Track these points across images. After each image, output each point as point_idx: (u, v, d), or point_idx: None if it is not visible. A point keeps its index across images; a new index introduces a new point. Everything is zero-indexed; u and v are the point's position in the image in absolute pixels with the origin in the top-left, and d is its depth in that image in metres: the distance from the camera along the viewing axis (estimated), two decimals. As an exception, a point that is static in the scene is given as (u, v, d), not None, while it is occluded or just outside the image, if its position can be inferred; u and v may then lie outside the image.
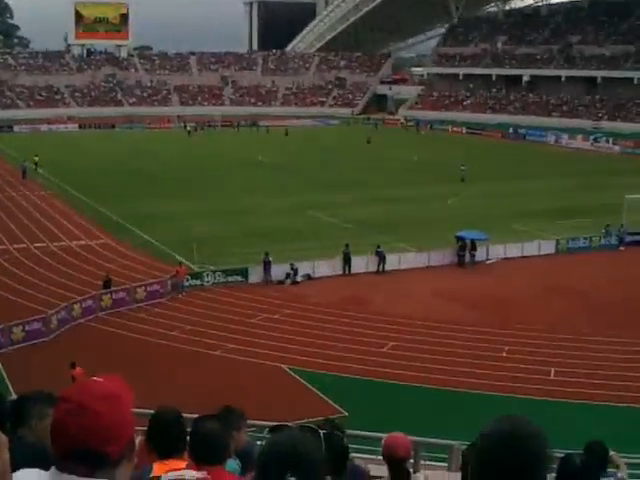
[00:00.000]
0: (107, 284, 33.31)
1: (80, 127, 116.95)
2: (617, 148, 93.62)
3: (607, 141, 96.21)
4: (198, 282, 35.82)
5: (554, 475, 4.42)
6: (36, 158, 72.21)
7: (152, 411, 4.94)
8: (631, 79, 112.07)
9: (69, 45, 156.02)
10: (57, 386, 4.07)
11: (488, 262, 41.00)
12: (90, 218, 50.35)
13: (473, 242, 40.62)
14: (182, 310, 32.59)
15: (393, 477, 5.80)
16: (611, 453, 6.92)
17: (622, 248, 44.08)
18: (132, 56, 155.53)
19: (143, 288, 33.72)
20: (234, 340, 28.80)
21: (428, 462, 12.52)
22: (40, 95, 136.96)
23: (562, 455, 4.66)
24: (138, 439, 4.17)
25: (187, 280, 35.45)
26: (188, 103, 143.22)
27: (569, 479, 4.43)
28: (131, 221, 48.58)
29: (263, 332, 29.63)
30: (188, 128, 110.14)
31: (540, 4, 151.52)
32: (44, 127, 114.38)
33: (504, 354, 27.49)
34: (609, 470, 6.59)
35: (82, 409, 2.40)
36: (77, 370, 22.55)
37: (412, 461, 9.60)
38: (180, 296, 34.48)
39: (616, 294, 35.02)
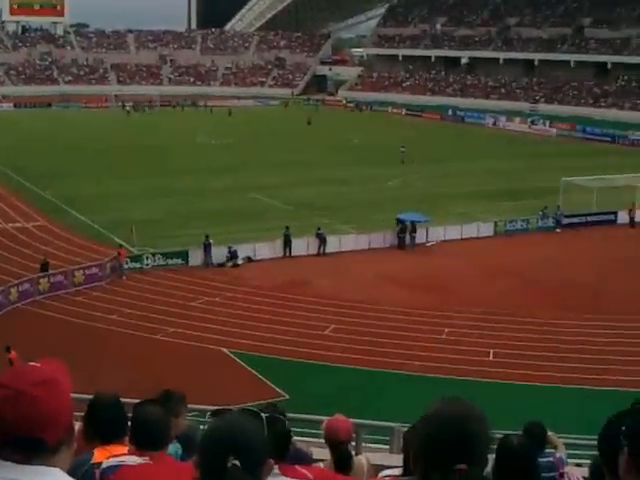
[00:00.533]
0: (45, 267, 32.84)
1: (15, 106, 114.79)
2: (554, 131, 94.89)
3: (544, 124, 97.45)
4: (138, 265, 35.50)
5: (493, 456, 4.48)
6: (-31, 138, 70.83)
7: (91, 396, 4.91)
8: (568, 62, 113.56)
9: (3, 22, 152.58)
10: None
11: (428, 244, 41.31)
12: (26, 200, 49.52)
13: (413, 224, 40.87)
14: (122, 294, 32.29)
15: (335, 460, 5.84)
16: (549, 434, 7.05)
17: (559, 230, 44.76)
18: (68, 33, 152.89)
19: (82, 271, 33.32)
20: (175, 324, 28.65)
21: (370, 444, 12.62)
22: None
23: (501, 436, 4.73)
24: (77, 425, 4.13)
25: (127, 263, 35.11)
26: (126, 82, 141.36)
27: (507, 460, 4.49)
28: (69, 202, 47.89)
29: (204, 315, 29.53)
30: (127, 108, 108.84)
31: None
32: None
33: (444, 336, 27.78)
34: (547, 451, 6.70)
35: (19, 395, 2.37)
36: (12, 354, 22.25)
37: (354, 444, 9.67)
38: (123, 279, 34.18)
39: (553, 276, 35.58)
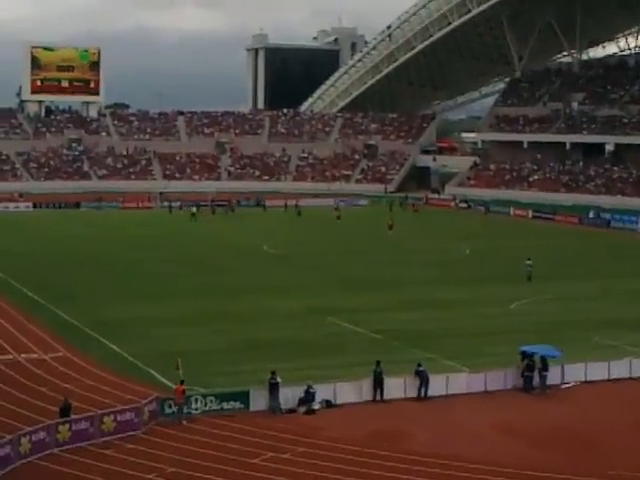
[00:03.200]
0: (66, 411, 33.13)
1: (35, 206, 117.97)
2: None
3: None
4: (185, 409, 35.58)
5: None
6: (-24, 246, 72.90)
7: None
8: None
9: (23, 102, 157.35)
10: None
11: (564, 386, 40.72)
12: (45, 324, 50.37)
13: (544, 360, 40.38)
14: (163, 446, 32.31)
15: None
16: None
17: None
18: (104, 116, 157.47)
19: (112, 417, 33.49)
20: (230, 486, 28.56)
21: None
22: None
23: None
24: None
25: (170, 407, 35.21)
26: (174, 176, 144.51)
27: None
28: (97, 328, 48.56)
29: (268, 476, 29.37)
30: (193, 210, 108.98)
31: (627, 53, 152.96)
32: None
33: (586, 508, 27.15)
34: None
35: None
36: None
37: None
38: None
39: None
